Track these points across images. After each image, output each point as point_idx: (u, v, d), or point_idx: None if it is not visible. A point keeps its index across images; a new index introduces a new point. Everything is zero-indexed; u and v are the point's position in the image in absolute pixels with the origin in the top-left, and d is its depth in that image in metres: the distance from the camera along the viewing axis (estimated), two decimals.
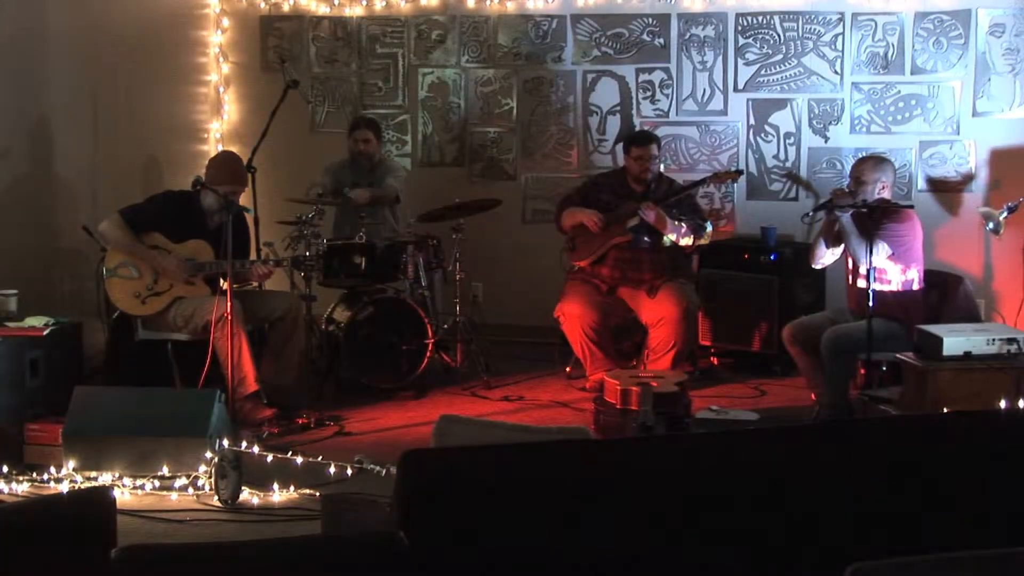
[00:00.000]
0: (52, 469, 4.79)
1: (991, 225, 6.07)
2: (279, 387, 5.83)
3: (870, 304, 5.13)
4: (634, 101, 7.21)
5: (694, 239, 6.15)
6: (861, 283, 5.41)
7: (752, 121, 7.08)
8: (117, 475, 4.71)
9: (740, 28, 7.04)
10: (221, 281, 5.57)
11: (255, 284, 6.08)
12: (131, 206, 5.69)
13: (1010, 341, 4.82)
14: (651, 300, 6.08)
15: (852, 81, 6.92)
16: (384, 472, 4.39)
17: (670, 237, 6.12)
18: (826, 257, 5.70)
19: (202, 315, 5.51)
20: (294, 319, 5.87)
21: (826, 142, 7.00)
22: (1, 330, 5.25)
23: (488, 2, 7.34)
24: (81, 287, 6.33)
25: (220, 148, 7.66)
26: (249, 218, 5.89)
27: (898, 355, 5.01)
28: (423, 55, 7.51)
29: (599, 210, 6.24)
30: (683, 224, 6.11)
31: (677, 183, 6.39)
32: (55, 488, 4.69)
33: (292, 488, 4.64)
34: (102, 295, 5.79)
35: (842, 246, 5.56)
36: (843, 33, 6.91)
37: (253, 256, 5.89)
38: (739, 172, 6.51)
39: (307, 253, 5.80)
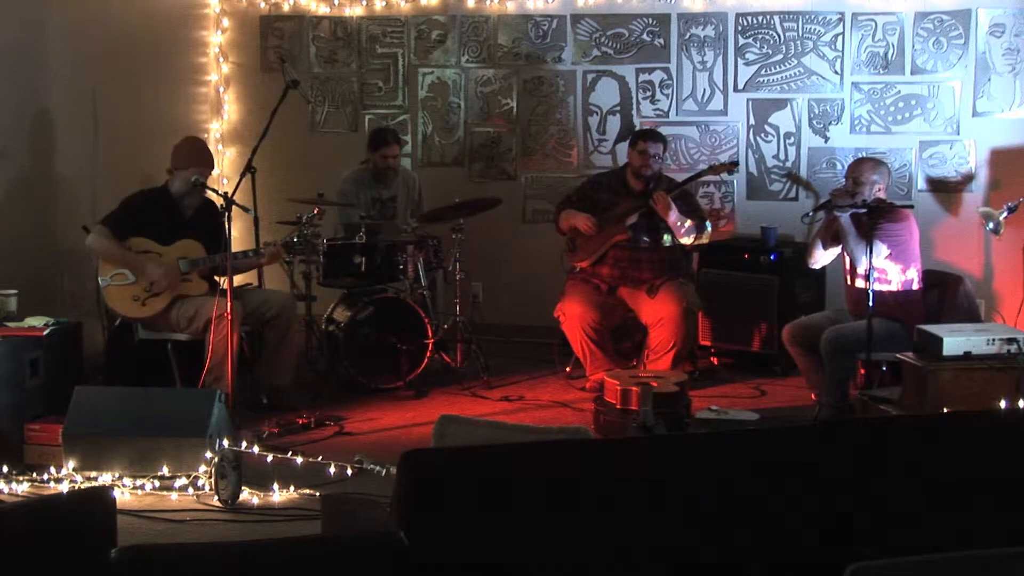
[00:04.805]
0: (52, 469, 4.79)
1: (991, 225, 6.06)
2: (276, 386, 5.84)
3: (869, 304, 5.13)
4: (634, 101, 7.21)
5: (695, 237, 6.16)
6: (859, 283, 5.41)
7: (752, 121, 7.08)
8: (117, 475, 4.71)
9: (740, 28, 7.04)
10: (220, 280, 5.57)
11: (253, 284, 6.08)
12: (111, 214, 5.68)
13: (1010, 341, 4.82)
14: (651, 300, 6.08)
15: (852, 81, 6.92)
16: (384, 472, 4.39)
17: (667, 238, 6.13)
18: (823, 257, 5.71)
19: (204, 315, 5.51)
20: (289, 317, 5.86)
21: (826, 142, 7.00)
22: (1, 330, 5.25)
23: (488, 2, 7.34)
24: (81, 287, 6.32)
25: (220, 148, 7.67)
26: (249, 217, 5.89)
27: (898, 355, 5.01)
28: (423, 55, 7.51)
29: (598, 209, 6.25)
30: (687, 219, 6.11)
31: (676, 182, 6.38)
32: (55, 488, 4.68)
33: (292, 488, 4.64)
34: (103, 304, 5.79)
35: (839, 247, 5.56)
36: (843, 33, 6.91)
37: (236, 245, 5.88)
38: (734, 164, 6.46)
39: (295, 239, 5.79)
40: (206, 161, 5.81)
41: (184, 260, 5.61)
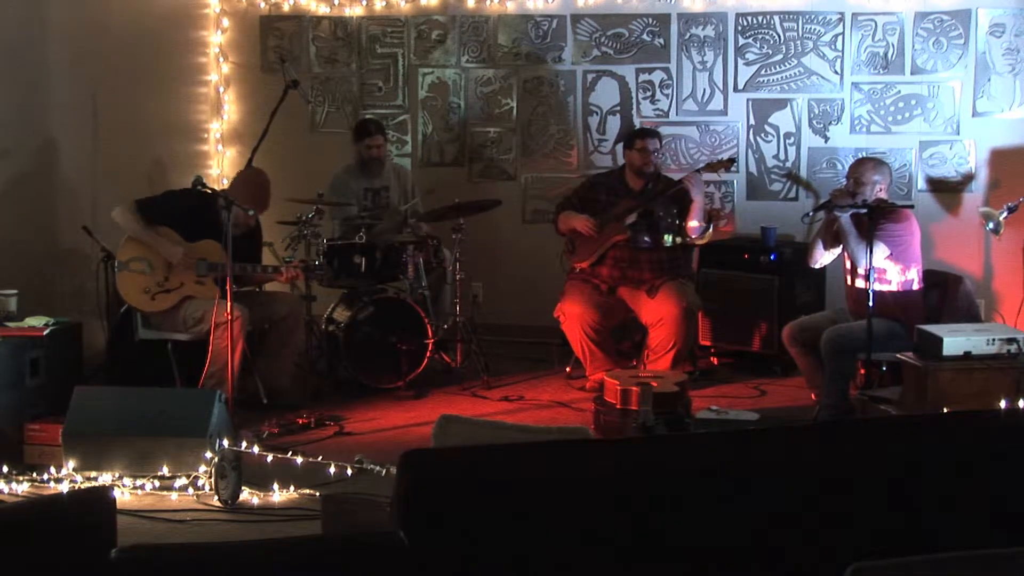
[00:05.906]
0: (52, 469, 4.79)
1: (991, 225, 6.06)
2: (274, 386, 5.84)
3: (869, 304, 5.13)
4: (634, 101, 7.21)
5: (697, 236, 6.17)
6: (860, 283, 5.41)
7: (752, 121, 7.08)
8: (117, 475, 4.71)
9: (740, 28, 7.04)
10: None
11: (257, 289, 6.08)
12: (147, 198, 5.72)
13: (1010, 341, 4.82)
14: (651, 300, 6.09)
15: (852, 81, 6.92)
16: (384, 472, 4.38)
17: (668, 238, 6.13)
18: (824, 257, 5.71)
19: (210, 320, 5.50)
20: (295, 321, 5.89)
21: (826, 142, 7.00)
22: (1, 330, 5.25)
23: (488, 2, 7.34)
24: (81, 287, 6.32)
25: (220, 148, 7.67)
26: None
27: (898, 355, 5.01)
28: (423, 55, 7.51)
29: (597, 210, 6.25)
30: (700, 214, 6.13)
31: (675, 181, 6.37)
32: (55, 488, 4.69)
33: (292, 488, 4.64)
34: (103, 289, 5.79)
35: (840, 247, 5.56)
36: (843, 33, 6.91)
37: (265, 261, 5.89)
38: (732, 160, 6.47)
39: (317, 262, 5.80)
40: (256, 201, 5.68)
41: (203, 262, 5.61)
